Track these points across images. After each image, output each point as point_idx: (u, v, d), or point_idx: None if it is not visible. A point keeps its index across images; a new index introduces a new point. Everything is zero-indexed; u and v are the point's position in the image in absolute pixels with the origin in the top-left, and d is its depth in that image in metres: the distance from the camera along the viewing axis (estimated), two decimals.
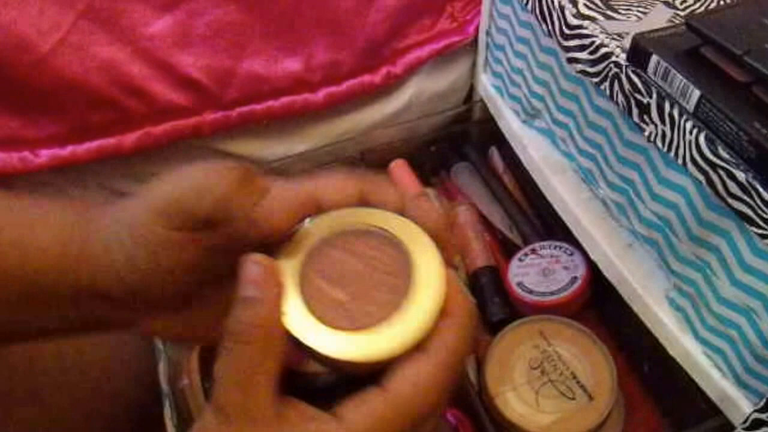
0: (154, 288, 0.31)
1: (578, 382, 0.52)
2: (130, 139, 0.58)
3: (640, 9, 0.46)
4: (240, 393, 0.26)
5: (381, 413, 0.26)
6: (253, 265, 0.28)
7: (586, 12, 0.46)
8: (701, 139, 0.38)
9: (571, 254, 0.60)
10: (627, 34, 0.43)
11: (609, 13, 0.46)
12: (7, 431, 0.48)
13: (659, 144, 0.41)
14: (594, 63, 0.45)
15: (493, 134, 0.67)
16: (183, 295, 0.32)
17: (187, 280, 0.31)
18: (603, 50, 0.44)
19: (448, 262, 0.30)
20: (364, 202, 0.31)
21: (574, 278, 0.58)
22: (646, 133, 0.42)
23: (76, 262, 0.32)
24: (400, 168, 0.71)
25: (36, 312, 0.33)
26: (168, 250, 0.30)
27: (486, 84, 0.67)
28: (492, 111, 0.66)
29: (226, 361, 0.26)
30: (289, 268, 0.29)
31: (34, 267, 0.32)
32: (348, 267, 0.29)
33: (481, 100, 0.69)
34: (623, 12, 0.46)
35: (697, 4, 0.46)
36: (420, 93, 0.69)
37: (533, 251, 0.62)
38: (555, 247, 0.61)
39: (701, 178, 0.39)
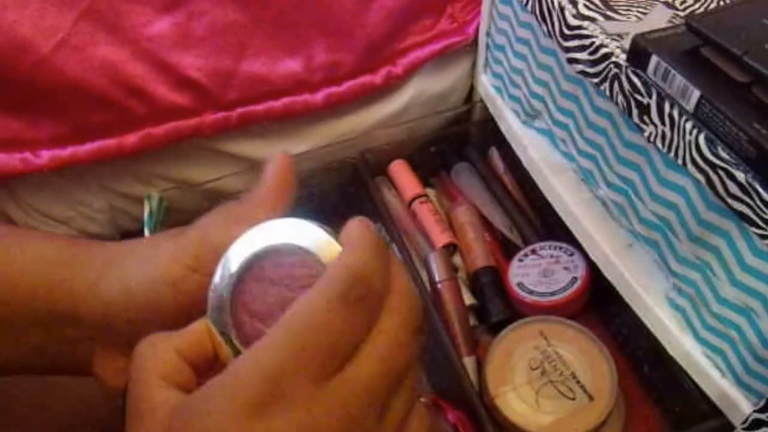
0: (140, 322, 0.31)
1: (578, 382, 0.52)
2: (130, 139, 0.59)
3: (640, 9, 0.46)
4: None
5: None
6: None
7: (586, 12, 0.46)
8: (701, 139, 0.38)
9: (571, 255, 0.60)
10: (627, 34, 0.43)
11: (609, 13, 0.46)
12: None
13: (659, 144, 0.42)
14: (594, 63, 0.45)
15: (493, 135, 0.68)
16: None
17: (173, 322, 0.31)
18: (603, 51, 0.44)
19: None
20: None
21: (574, 279, 0.58)
22: (646, 134, 0.42)
23: (59, 285, 0.33)
24: (400, 168, 0.71)
25: (7, 335, 0.34)
26: (182, 288, 0.31)
27: (486, 84, 0.67)
28: (492, 111, 0.66)
29: None
30: (219, 321, 0.29)
31: (11, 283, 0.33)
32: (270, 297, 0.29)
33: (481, 101, 0.69)
34: (623, 12, 0.46)
35: (697, 5, 0.46)
36: (420, 93, 0.69)
37: (533, 252, 0.62)
38: (555, 248, 0.61)
39: (701, 178, 0.39)
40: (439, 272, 0.61)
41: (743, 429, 0.40)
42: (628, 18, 0.46)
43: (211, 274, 0.29)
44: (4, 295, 0.33)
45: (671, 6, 0.46)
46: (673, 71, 0.39)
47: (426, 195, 0.70)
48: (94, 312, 0.32)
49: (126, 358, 0.33)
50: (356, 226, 0.28)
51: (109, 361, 0.34)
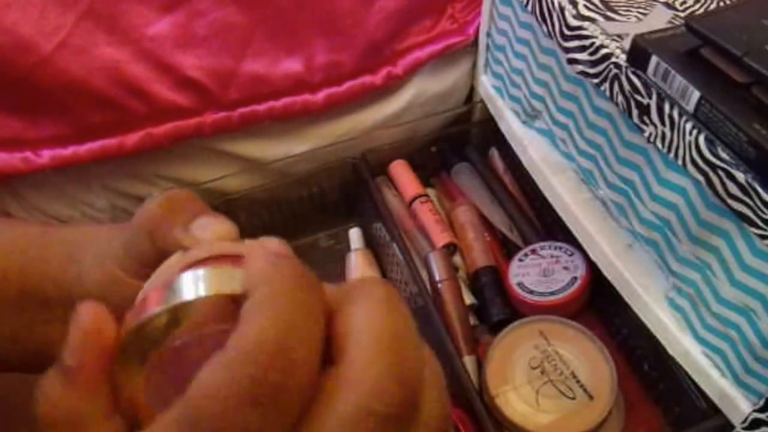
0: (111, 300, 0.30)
1: (578, 382, 0.52)
2: (131, 139, 0.59)
3: (640, 10, 0.46)
4: None
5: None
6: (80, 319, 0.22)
7: (586, 13, 0.46)
8: (701, 139, 0.38)
9: (571, 254, 0.60)
10: (627, 35, 0.43)
11: (609, 14, 0.46)
12: None
13: (659, 145, 0.42)
14: (594, 64, 0.45)
15: (493, 135, 0.68)
16: None
17: None
18: (603, 51, 0.44)
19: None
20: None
21: (574, 278, 0.59)
22: (646, 134, 0.42)
23: (29, 264, 0.32)
24: (400, 168, 0.71)
25: None
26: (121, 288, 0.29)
27: (486, 85, 0.67)
28: (492, 112, 0.67)
29: None
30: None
31: None
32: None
33: (482, 101, 0.69)
34: (623, 13, 0.46)
35: (697, 5, 0.46)
36: (420, 94, 0.69)
37: (533, 252, 0.62)
38: (555, 248, 0.61)
39: (701, 178, 0.39)
40: (439, 272, 0.61)
41: (743, 428, 0.41)
42: (628, 18, 0.46)
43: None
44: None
45: (671, 6, 0.46)
46: (673, 72, 0.39)
47: (426, 195, 0.70)
48: (63, 292, 0.32)
49: None
50: (259, 257, 0.20)
51: None
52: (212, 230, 0.27)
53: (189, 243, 0.26)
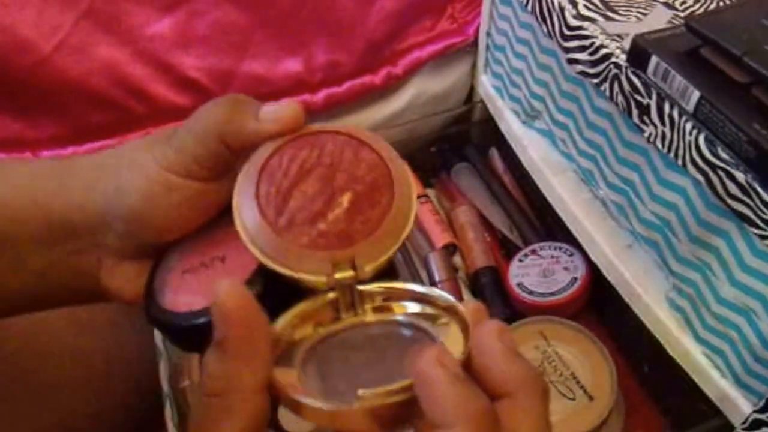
0: (136, 221, 0.31)
1: (578, 383, 0.52)
2: (131, 139, 0.59)
3: (640, 10, 0.46)
4: None
5: None
6: (225, 296, 0.25)
7: (586, 13, 0.46)
8: (701, 139, 0.38)
9: (571, 255, 0.60)
10: (627, 35, 0.43)
11: (609, 14, 0.46)
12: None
13: (659, 145, 0.42)
14: (594, 64, 0.45)
15: (493, 135, 0.68)
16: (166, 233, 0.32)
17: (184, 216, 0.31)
18: (603, 51, 0.44)
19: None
20: None
21: (574, 279, 0.58)
22: (646, 134, 0.42)
23: (51, 196, 0.32)
24: None
25: (7, 259, 0.33)
26: (177, 191, 0.30)
27: (486, 85, 0.67)
28: (492, 112, 0.67)
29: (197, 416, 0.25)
30: None
31: (5, 203, 0.32)
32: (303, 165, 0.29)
33: (482, 101, 0.69)
34: (623, 13, 0.46)
35: (697, 5, 0.46)
36: (420, 94, 0.69)
37: (533, 252, 0.62)
38: (555, 248, 0.61)
39: (701, 178, 0.39)
40: (439, 272, 0.61)
41: (743, 429, 0.40)
42: (628, 18, 0.46)
43: (207, 179, 0.30)
44: (1, 218, 0.33)
45: (671, 6, 0.46)
46: (672, 72, 0.39)
47: (426, 195, 0.70)
48: (90, 217, 0.32)
49: (134, 263, 0.33)
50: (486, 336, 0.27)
51: (117, 270, 0.33)
52: (283, 114, 0.30)
53: (266, 130, 0.30)
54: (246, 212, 0.28)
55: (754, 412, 0.40)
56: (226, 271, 0.31)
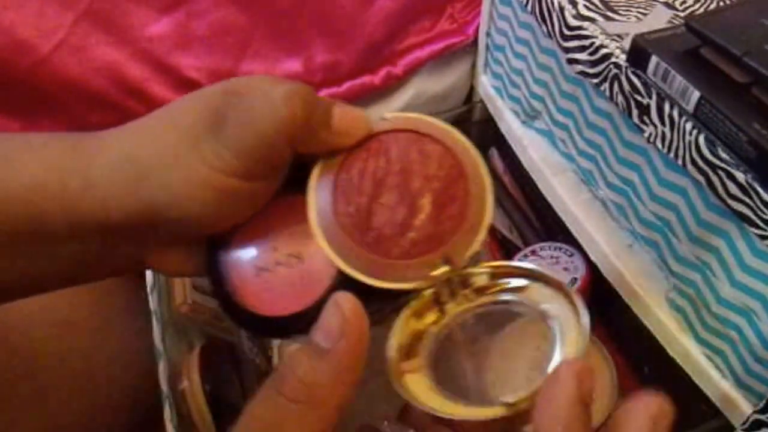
0: (183, 217, 0.30)
1: None
2: None
3: (640, 10, 0.46)
4: None
5: None
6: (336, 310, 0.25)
7: (586, 13, 0.46)
8: (701, 140, 0.38)
9: (571, 255, 0.60)
10: (627, 34, 0.43)
11: (609, 14, 0.46)
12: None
13: (659, 145, 0.41)
14: (594, 64, 0.45)
15: (492, 135, 0.67)
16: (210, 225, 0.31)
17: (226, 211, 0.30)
18: (603, 51, 0.44)
19: None
20: None
21: (574, 279, 0.58)
22: (646, 134, 0.42)
23: (79, 191, 0.31)
24: None
25: (45, 247, 0.31)
26: (225, 191, 0.29)
27: (486, 85, 0.67)
28: (492, 112, 0.66)
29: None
30: None
31: (27, 199, 0.30)
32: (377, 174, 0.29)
33: (481, 101, 0.69)
34: (623, 13, 0.46)
35: (697, 5, 0.46)
36: (420, 94, 0.69)
37: (533, 252, 0.62)
38: (555, 248, 0.61)
39: (701, 179, 0.39)
40: None
41: (743, 430, 0.40)
42: (628, 18, 0.46)
43: (253, 177, 0.29)
44: (38, 208, 0.31)
45: (671, 6, 0.46)
46: (672, 72, 0.39)
47: None
48: (132, 221, 0.30)
49: (181, 249, 0.32)
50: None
51: (164, 256, 0.32)
52: (358, 130, 0.30)
53: (338, 143, 0.30)
54: (331, 237, 0.28)
55: (755, 412, 0.40)
56: (309, 271, 0.30)
